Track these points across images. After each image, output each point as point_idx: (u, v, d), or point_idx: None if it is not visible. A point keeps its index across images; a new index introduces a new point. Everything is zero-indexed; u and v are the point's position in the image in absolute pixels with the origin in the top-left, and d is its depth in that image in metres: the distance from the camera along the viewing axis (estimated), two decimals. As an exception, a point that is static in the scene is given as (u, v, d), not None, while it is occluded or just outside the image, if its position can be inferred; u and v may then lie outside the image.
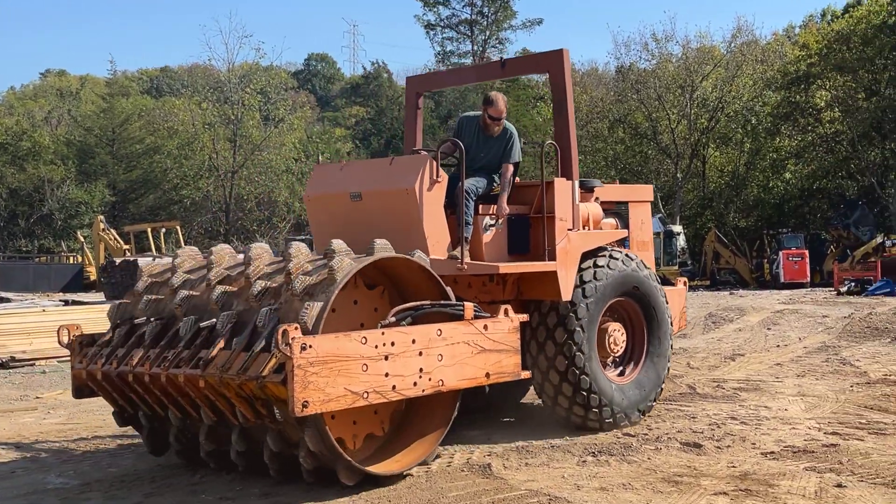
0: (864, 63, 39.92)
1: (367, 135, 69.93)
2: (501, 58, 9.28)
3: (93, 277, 38.23)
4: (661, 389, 8.75)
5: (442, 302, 6.59)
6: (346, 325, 6.27)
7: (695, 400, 9.53)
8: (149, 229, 38.30)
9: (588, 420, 8.03)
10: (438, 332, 6.35)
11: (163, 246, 37.02)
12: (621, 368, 8.52)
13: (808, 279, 33.10)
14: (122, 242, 36.74)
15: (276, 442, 6.14)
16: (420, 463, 6.68)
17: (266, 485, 6.47)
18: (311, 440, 5.91)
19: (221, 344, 6.07)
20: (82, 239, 42.86)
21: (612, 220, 9.12)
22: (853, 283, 26.49)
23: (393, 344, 6.05)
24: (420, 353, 6.21)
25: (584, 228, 8.32)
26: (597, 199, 8.85)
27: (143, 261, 20.44)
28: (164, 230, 38.45)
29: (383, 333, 6.06)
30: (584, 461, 7.00)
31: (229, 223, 50.71)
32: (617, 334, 8.32)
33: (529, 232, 8.05)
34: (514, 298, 8.03)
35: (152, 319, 6.67)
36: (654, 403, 8.67)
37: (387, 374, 6.02)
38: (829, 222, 37.94)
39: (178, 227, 38.89)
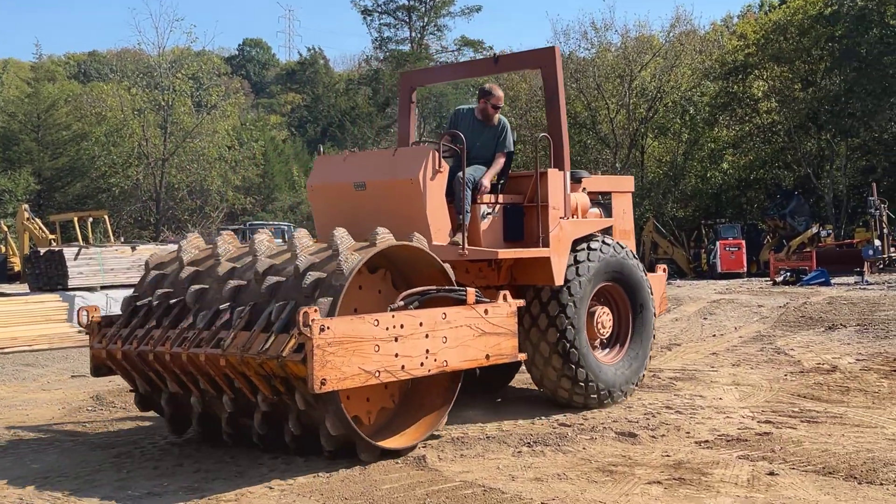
0: (800, 54, 40.70)
1: (302, 122, 69.48)
2: (495, 54, 10.31)
3: (17, 268, 37.38)
4: (645, 370, 9.35)
5: (447, 287, 7.15)
6: (353, 307, 6.81)
7: (631, 389, 9.65)
8: (75, 218, 37.50)
9: (575, 396, 8.59)
10: (443, 316, 6.91)
11: (90, 236, 36.35)
12: (608, 350, 9.13)
13: (745, 269, 33.67)
14: (47, 232, 35.94)
15: (297, 422, 6.61)
16: (426, 438, 7.19)
17: (194, 479, 6.41)
18: (330, 422, 6.42)
19: (241, 324, 6.55)
20: (6, 228, 41.89)
21: (596, 210, 9.61)
22: (789, 273, 26.99)
23: (402, 326, 6.61)
24: (427, 336, 6.77)
25: (573, 217, 8.85)
26: (583, 189, 9.36)
27: (69, 251, 20.09)
28: (91, 219, 37.73)
29: (393, 316, 6.60)
30: (520, 451, 7.05)
31: (160, 213, 49.97)
32: (604, 317, 8.95)
33: (523, 220, 8.65)
34: (507, 283, 8.55)
35: (171, 301, 7.13)
36: (638, 385, 9.20)
37: (396, 355, 6.56)
38: (765, 212, 38.64)
39: (106, 217, 38.18)
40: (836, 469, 6.32)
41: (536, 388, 8.97)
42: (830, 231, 35.81)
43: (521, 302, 7.74)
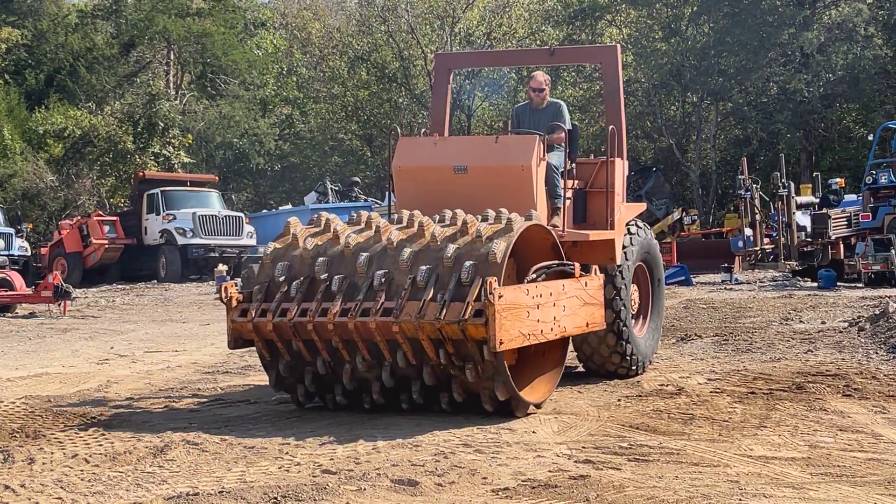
0: (661, -6, 42.06)
1: (20, 67, 66.89)
2: (551, 45, 14.23)
3: None
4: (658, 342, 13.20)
5: (564, 261, 10.15)
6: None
7: (413, 421, 9.61)
8: None
9: (620, 369, 11.94)
10: (563, 287, 9.83)
11: None
12: (635, 323, 12.40)
13: (592, 265, 34.53)
14: None
15: (459, 390, 9.59)
16: (538, 404, 9.96)
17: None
18: (499, 389, 9.29)
19: (407, 295, 9.14)
20: None
21: None
22: (643, 270, 27.82)
23: (541, 295, 9.45)
24: (554, 304, 9.64)
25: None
26: None
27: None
28: None
29: (536, 287, 9.46)
30: (261, 511, 6.89)
31: None
32: (635, 295, 12.41)
33: (586, 204, 11.79)
34: None
35: (323, 276, 9.60)
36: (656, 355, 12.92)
37: (538, 320, 9.41)
38: (618, 194, 39.71)
39: None
40: (661, 521, 6.46)
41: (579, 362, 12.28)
42: (696, 217, 37.22)
43: (603, 276, 10.73)
